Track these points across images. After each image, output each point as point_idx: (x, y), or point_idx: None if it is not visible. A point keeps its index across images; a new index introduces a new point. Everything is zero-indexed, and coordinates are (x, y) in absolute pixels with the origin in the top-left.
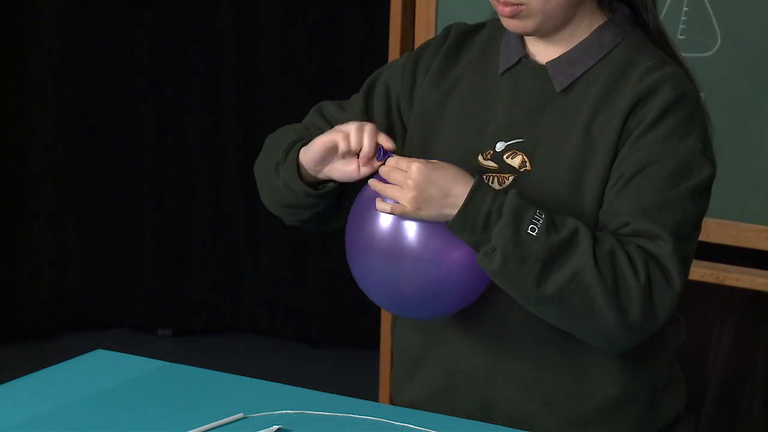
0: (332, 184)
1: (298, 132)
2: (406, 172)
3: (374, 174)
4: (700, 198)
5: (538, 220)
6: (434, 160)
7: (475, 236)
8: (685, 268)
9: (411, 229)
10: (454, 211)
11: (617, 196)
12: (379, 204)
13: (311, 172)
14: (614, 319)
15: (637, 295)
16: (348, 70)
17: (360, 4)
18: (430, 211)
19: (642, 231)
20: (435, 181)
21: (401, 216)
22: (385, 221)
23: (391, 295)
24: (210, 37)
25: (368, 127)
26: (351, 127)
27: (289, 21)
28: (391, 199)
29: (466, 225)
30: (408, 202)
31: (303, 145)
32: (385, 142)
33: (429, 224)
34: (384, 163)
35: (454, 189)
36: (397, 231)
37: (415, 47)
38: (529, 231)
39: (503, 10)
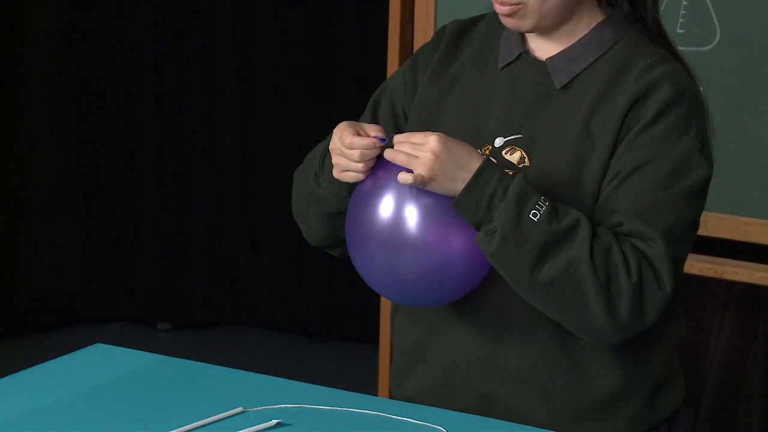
0: None
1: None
2: (422, 144)
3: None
4: (696, 198)
5: (542, 207)
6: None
7: (478, 215)
8: (677, 271)
9: (411, 218)
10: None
11: (612, 194)
12: (401, 175)
13: None
14: (603, 314)
15: (628, 293)
16: (347, 71)
17: (359, 0)
18: (444, 183)
19: (635, 232)
20: (453, 153)
21: (420, 185)
22: (384, 210)
23: (392, 283)
24: (209, 34)
25: (347, 138)
26: (348, 154)
27: (288, 21)
28: (406, 165)
29: (470, 203)
30: (426, 171)
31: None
32: (376, 133)
33: (428, 211)
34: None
35: (470, 164)
36: (396, 220)
37: (414, 45)
38: (531, 216)
39: (501, 8)
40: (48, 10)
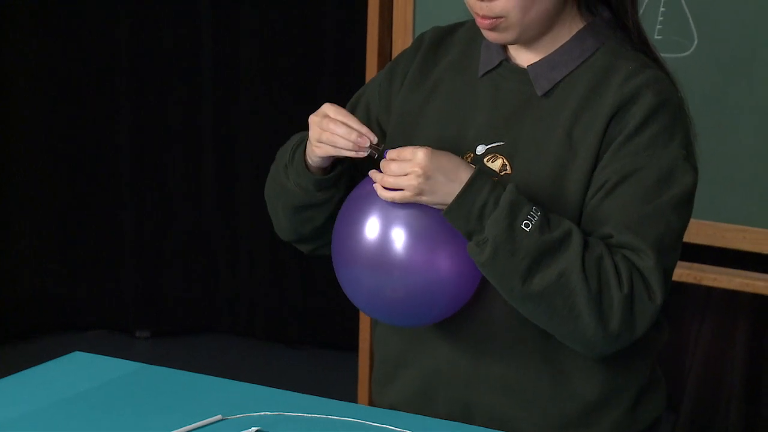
0: (340, 167)
1: (301, 137)
2: (410, 160)
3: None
4: (684, 207)
5: (533, 217)
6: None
7: (470, 225)
8: (667, 282)
9: (398, 239)
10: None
11: (600, 205)
12: (382, 192)
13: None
14: (593, 325)
15: (619, 304)
16: (326, 77)
17: (337, 6)
18: (433, 198)
19: (626, 244)
20: (441, 167)
21: (402, 201)
22: (371, 231)
23: (378, 303)
24: (188, 37)
25: (336, 115)
26: (339, 132)
27: (267, 26)
28: (394, 187)
29: (462, 213)
30: (412, 190)
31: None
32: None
33: (415, 233)
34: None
35: (460, 176)
36: (383, 240)
37: (393, 51)
38: (522, 226)
39: (482, 22)
40: (27, 8)
